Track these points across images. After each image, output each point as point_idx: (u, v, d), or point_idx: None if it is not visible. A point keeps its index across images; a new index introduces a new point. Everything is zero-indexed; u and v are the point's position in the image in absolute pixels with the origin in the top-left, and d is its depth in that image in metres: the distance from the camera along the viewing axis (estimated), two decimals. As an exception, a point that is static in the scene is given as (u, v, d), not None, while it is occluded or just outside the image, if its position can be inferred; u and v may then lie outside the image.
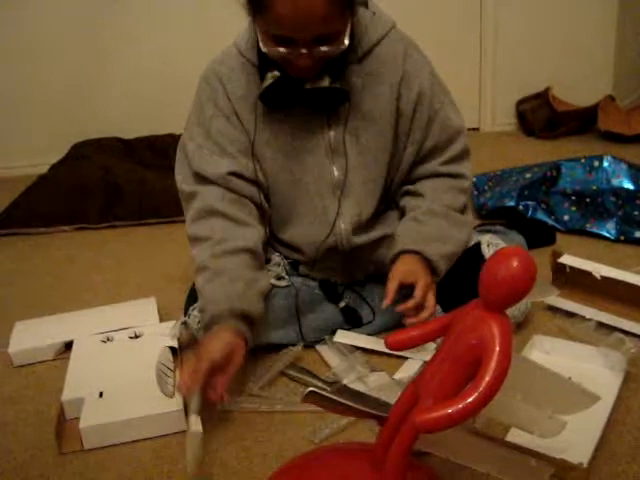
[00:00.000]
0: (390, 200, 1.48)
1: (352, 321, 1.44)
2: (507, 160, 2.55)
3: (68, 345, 1.47)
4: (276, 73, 1.25)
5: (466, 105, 3.19)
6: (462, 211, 1.43)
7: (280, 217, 1.42)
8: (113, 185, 2.44)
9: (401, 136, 1.37)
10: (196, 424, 1.06)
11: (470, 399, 0.77)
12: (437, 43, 3.05)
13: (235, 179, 1.32)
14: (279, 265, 1.43)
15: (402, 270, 1.30)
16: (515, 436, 1.06)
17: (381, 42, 1.33)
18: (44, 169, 2.76)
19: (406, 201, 1.44)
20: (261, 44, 1.20)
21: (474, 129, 3.30)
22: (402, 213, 1.46)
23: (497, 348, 0.79)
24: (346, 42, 1.19)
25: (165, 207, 2.29)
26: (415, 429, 0.82)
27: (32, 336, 1.51)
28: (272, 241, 1.47)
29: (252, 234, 1.32)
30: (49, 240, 2.31)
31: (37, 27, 3.03)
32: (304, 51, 1.16)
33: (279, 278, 1.41)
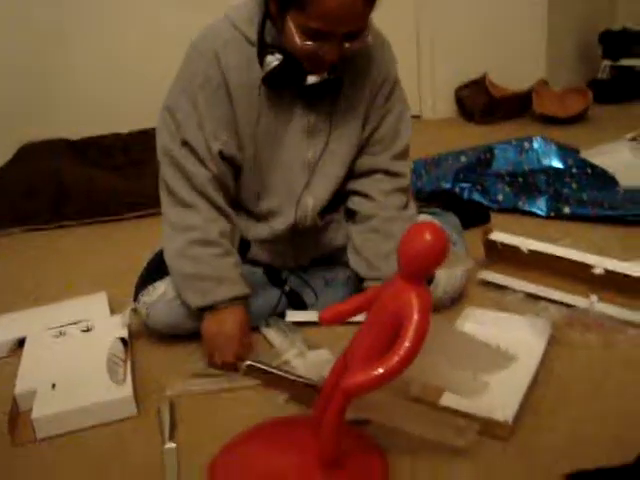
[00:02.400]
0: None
1: (296, 305, 1.51)
2: (448, 145, 2.62)
3: (21, 342, 1.50)
4: (279, 56, 1.28)
5: (407, 93, 3.29)
6: (406, 207, 1.51)
7: (253, 191, 1.46)
8: (61, 185, 2.46)
9: (367, 118, 1.43)
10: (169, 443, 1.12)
11: (391, 363, 0.84)
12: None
13: (219, 160, 1.36)
14: None
15: None
16: (447, 401, 1.14)
17: None
18: (-10, 173, 2.75)
19: (357, 204, 1.50)
20: (292, 38, 1.21)
21: (415, 117, 3.39)
22: (350, 212, 1.53)
23: (415, 315, 0.87)
24: (369, 38, 1.25)
25: (113, 205, 2.33)
26: (343, 393, 0.89)
27: (-16, 335, 1.54)
28: (239, 215, 1.50)
29: (226, 225, 1.40)
30: (-2, 242, 2.32)
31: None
32: (334, 46, 1.20)
33: None
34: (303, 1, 1.16)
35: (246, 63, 1.32)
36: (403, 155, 1.50)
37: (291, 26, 1.21)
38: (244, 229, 1.50)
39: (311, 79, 1.29)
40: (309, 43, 1.20)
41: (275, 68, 1.28)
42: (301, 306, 1.51)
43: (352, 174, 1.50)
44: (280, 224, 1.47)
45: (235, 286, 1.37)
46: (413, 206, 1.54)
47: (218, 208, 1.39)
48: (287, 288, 1.51)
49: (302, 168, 1.42)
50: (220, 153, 1.36)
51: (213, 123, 1.34)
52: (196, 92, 1.33)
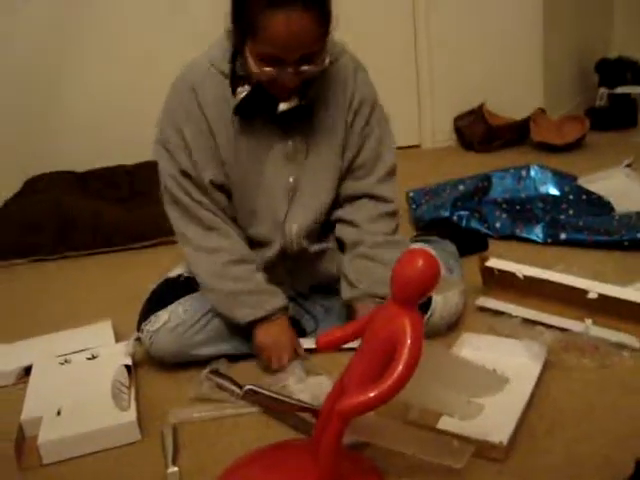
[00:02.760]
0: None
1: (296, 331, 1.53)
2: (447, 174, 2.64)
3: (28, 370, 1.53)
4: (247, 87, 1.35)
5: (406, 124, 3.35)
6: (394, 232, 1.53)
7: (243, 218, 1.50)
8: (66, 217, 2.50)
9: (346, 143, 1.47)
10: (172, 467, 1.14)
11: (384, 386, 0.87)
12: (375, 69, 3.20)
13: (212, 188, 1.43)
14: None
15: None
16: (444, 424, 1.16)
17: (334, 63, 1.42)
18: (-3, 206, 2.81)
19: (343, 232, 1.53)
20: (251, 66, 1.28)
21: (415, 147, 3.44)
22: (339, 241, 1.56)
23: (408, 339, 0.90)
24: (327, 61, 1.31)
25: (117, 236, 2.37)
26: (339, 416, 0.92)
27: (-8, 363, 1.57)
28: None
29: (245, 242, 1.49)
30: (4, 273, 2.36)
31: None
32: (290, 70, 1.26)
33: None
34: (255, 29, 1.22)
35: (222, 97, 1.38)
36: (388, 179, 1.51)
37: (248, 55, 1.28)
38: None
39: (282, 106, 1.35)
40: (267, 69, 1.26)
41: (244, 98, 1.35)
42: (300, 333, 1.54)
43: (338, 202, 1.52)
44: (269, 251, 1.50)
45: (280, 296, 1.46)
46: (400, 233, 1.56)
47: (233, 228, 1.46)
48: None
49: (284, 194, 1.46)
50: (211, 182, 1.42)
51: (201, 154, 1.41)
52: (181, 125, 1.40)
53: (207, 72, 1.39)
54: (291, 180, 1.45)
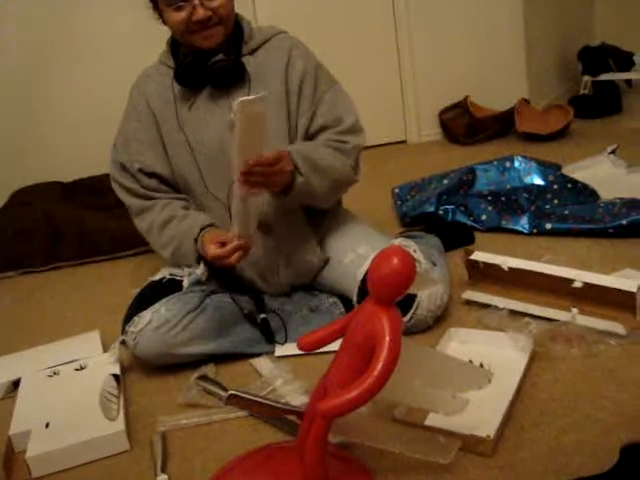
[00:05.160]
0: None
1: (267, 336, 1.53)
2: (433, 169, 2.64)
3: (16, 384, 1.53)
4: (189, 56, 1.52)
5: (392, 119, 3.36)
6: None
7: (194, 186, 1.61)
8: (54, 227, 2.50)
9: (292, 111, 1.57)
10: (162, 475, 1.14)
11: (365, 384, 0.87)
12: (357, 67, 3.21)
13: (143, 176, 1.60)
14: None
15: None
16: (431, 421, 1.16)
17: (270, 39, 1.60)
18: (-16, 218, 2.79)
19: None
20: (169, 22, 1.50)
21: (401, 142, 3.45)
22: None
23: (387, 337, 0.90)
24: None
25: (105, 244, 2.38)
26: (322, 416, 0.92)
27: (-20, 378, 1.57)
28: None
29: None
30: (-5, 286, 2.36)
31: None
32: (196, 1, 1.44)
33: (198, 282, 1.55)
34: None
35: (163, 84, 1.59)
36: (351, 131, 1.59)
37: (162, 8, 1.49)
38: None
39: (214, 59, 1.50)
40: (178, 12, 1.45)
41: (179, 65, 1.53)
42: (270, 339, 1.53)
43: None
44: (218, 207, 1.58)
45: (201, 215, 1.57)
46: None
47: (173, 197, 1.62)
48: (260, 318, 1.53)
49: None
50: (140, 170, 1.59)
51: (139, 146, 1.60)
52: (128, 122, 1.63)
53: (153, 68, 1.64)
54: None
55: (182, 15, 1.46)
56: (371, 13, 3.27)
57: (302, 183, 1.44)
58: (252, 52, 1.58)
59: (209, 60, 1.51)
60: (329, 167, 1.50)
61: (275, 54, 1.58)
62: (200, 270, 1.50)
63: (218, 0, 1.47)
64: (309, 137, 1.58)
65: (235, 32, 1.57)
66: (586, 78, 3.59)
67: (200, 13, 1.45)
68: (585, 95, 3.55)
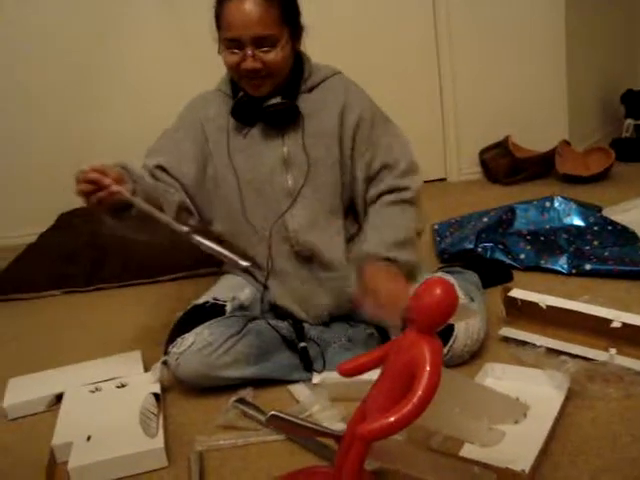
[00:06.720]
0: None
1: (306, 364, 1.55)
2: (472, 207, 2.66)
3: (59, 397, 1.57)
4: (242, 94, 1.56)
5: (432, 157, 3.39)
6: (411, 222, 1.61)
7: (236, 222, 1.63)
8: (98, 250, 2.57)
9: (346, 153, 1.60)
10: None
11: (404, 410, 0.89)
12: (399, 103, 3.24)
13: (159, 172, 1.62)
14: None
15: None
16: (467, 452, 1.17)
17: (327, 80, 1.64)
18: (32, 239, 2.89)
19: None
20: (223, 58, 1.53)
21: (441, 180, 3.47)
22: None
23: (427, 365, 0.92)
24: (281, 53, 1.50)
25: (148, 267, 2.43)
26: (360, 440, 0.94)
27: (25, 390, 1.62)
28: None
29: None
30: (40, 304, 2.42)
31: (21, 108, 3.22)
32: (249, 52, 1.47)
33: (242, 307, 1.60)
34: (219, 20, 1.50)
35: (219, 111, 1.63)
36: (409, 172, 1.62)
37: (221, 50, 1.52)
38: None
39: (269, 103, 1.54)
40: (230, 54, 1.49)
41: (237, 100, 1.57)
42: (308, 367, 1.55)
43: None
44: (259, 245, 1.61)
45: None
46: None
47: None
48: (300, 346, 1.55)
49: (284, 195, 1.59)
50: (166, 170, 1.61)
51: (177, 150, 1.62)
52: (174, 133, 1.66)
53: (211, 93, 1.68)
54: (290, 182, 1.58)
55: (235, 59, 1.50)
56: (414, 51, 3.32)
57: (401, 264, 1.52)
58: (310, 90, 1.62)
59: (264, 101, 1.55)
60: (408, 236, 1.57)
61: (331, 94, 1.61)
62: (244, 295, 1.54)
63: (272, 54, 1.49)
64: (368, 180, 1.62)
65: (295, 70, 1.60)
66: (629, 121, 3.59)
67: (249, 64, 1.49)
68: (627, 138, 3.55)
